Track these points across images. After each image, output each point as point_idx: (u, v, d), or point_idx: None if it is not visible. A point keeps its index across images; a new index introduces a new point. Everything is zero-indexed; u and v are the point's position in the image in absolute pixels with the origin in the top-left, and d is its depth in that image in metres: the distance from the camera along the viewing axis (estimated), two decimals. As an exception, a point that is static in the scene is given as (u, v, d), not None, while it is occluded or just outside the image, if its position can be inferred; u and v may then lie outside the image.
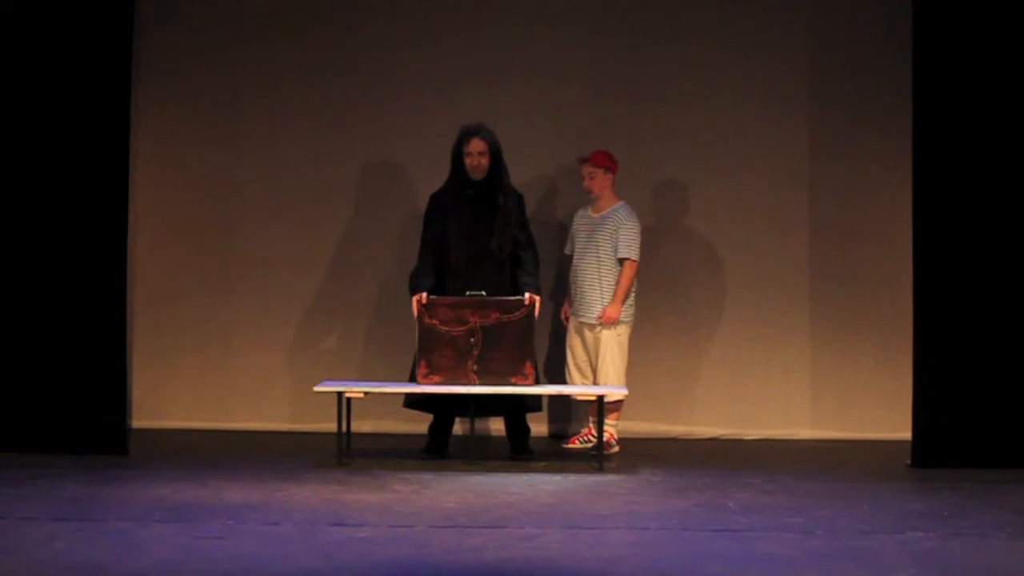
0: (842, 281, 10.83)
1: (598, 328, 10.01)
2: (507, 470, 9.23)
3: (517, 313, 9.33)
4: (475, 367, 9.31)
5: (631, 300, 10.11)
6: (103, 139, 9.53)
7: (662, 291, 10.73)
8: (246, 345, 10.95)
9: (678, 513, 7.89)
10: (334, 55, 10.93)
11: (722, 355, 10.83)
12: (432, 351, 9.32)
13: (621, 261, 10.03)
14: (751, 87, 10.81)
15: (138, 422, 10.74)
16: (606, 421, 9.74)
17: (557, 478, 9.01)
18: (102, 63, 9.51)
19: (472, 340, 9.31)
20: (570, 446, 10.19)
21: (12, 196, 9.56)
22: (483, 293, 9.42)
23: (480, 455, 9.59)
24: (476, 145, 9.69)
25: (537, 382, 9.49)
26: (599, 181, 10.09)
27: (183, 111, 10.95)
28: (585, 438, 10.14)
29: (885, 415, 10.57)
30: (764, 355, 10.82)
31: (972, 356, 9.44)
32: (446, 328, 9.31)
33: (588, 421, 10.19)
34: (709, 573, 6.55)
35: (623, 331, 10.07)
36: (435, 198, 9.89)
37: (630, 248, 10.02)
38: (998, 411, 9.43)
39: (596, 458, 9.34)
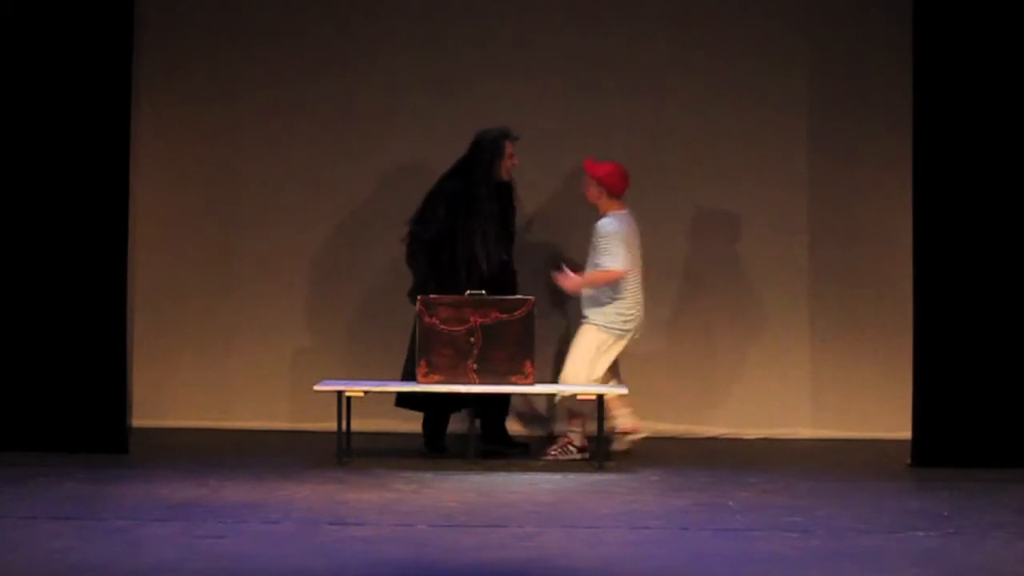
0: (842, 281, 10.84)
1: (582, 326, 9.80)
2: (507, 470, 9.23)
3: (517, 312, 9.33)
4: (475, 366, 9.31)
5: (616, 310, 9.72)
6: (103, 139, 9.53)
7: (661, 291, 10.73)
8: (246, 345, 10.96)
9: (678, 513, 7.89)
10: (334, 55, 10.93)
11: (722, 355, 10.83)
12: (432, 350, 9.32)
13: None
14: (751, 87, 10.81)
15: (138, 421, 10.74)
16: (571, 427, 9.69)
17: (557, 477, 9.01)
18: (102, 63, 9.51)
19: (472, 339, 9.31)
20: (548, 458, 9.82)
21: (12, 196, 9.57)
22: (483, 292, 9.42)
23: (480, 454, 9.59)
24: (512, 147, 9.74)
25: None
26: (590, 192, 9.83)
27: (183, 111, 10.96)
28: (566, 447, 9.78)
29: (885, 415, 10.58)
30: (764, 355, 10.82)
31: (972, 356, 9.44)
32: (446, 327, 9.32)
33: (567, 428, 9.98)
34: (709, 573, 6.55)
35: (599, 336, 9.71)
36: (461, 195, 9.75)
37: (606, 259, 9.63)
38: (998, 411, 9.43)
39: (596, 457, 9.34)
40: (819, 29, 10.81)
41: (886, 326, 10.65)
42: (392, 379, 9.93)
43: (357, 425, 9.77)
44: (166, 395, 10.92)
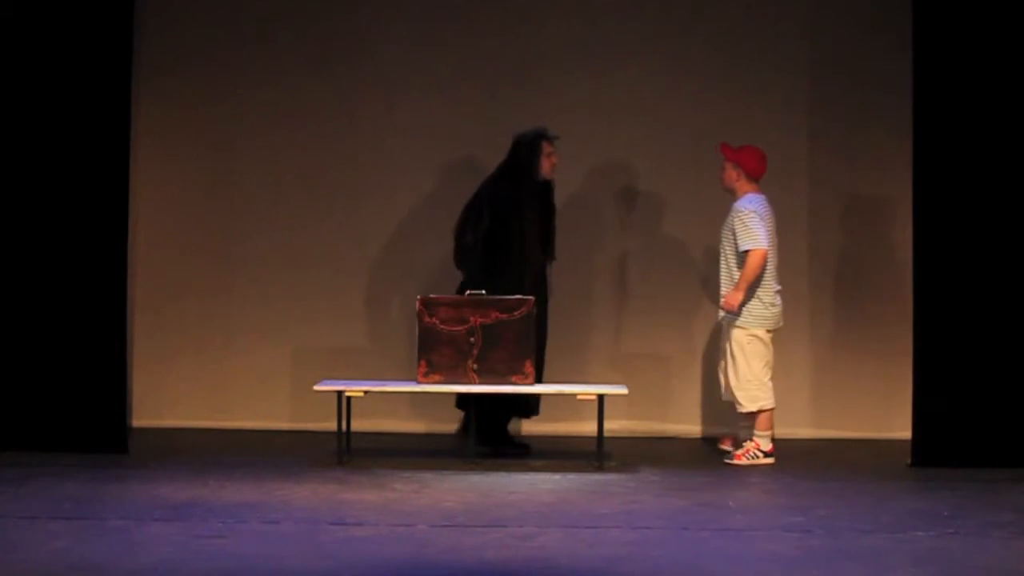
0: (842, 281, 10.83)
1: (727, 325, 9.69)
2: (507, 470, 9.23)
3: (517, 312, 9.32)
4: (475, 366, 9.31)
5: (764, 303, 9.65)
6: (103, 139, 9.53)
7: (662, 291, 10.73)
8: (246, 344, 10.96)
9: (678, 513, 7.89)
10: (334, 54, 10.93)
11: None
12: (432, 350, 9.32)
13: (746, 254, 9.61)
14: (751, 87, 10.80)
15: (138, 421, 10.74)
16: (755, 432, 9.65)
17: (557, 477, 9.00)
18: (102, 63, 9.51)
19: (472, 339, 9.31)
20: (736, 462, 9.72)
21: (12, 196, 9.56)
22: (483, 292, 9.42)
23: (478, 454, 9.59)
24: (551, 146, 9.78)
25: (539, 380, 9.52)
26: (727, 174, 9.76)
27: (183, 111, 10.95)
28: (752, 453, 9.71)
29: (885, 415, 10.58)
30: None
31: (972, 356, 9.44)
32: (446, 327, 9.31)
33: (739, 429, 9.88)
34: (709, 573, 6.55)
35: (749, 336, 9.63)
36: (506, 197, 9.73)
37: (744, 238, 9.57)
38: (998, 411, 9.43)
39: (596, 457, 9.33)
40: (819, 29, 10.81)
41: (886, 326, 10.65)
42: (392, 379, 9.93)
43: (357, 425, 9.77)
44: (166, 395, 10.92)
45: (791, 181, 10.82)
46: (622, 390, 9.64)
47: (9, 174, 9.57)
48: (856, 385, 10.78)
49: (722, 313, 9.72)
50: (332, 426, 9.40)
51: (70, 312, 9.53)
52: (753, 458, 9.64)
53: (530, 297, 9.38)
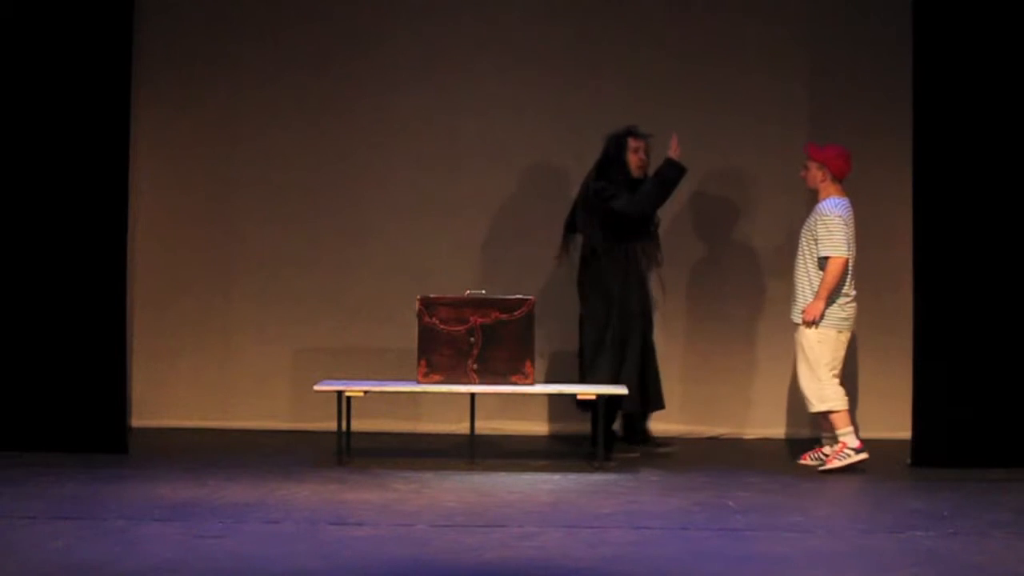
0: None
1: (800, 328, 9.59)
2: (507, 470, 9.23)
3: (517, 312, 9.33)
4: (475, 366, 9.31)
5: (838, 304, 9.48)
6: (103, 139, 9.53)
7: (662, 292, 10.72)
8: (246, 344, 10.96)
9: (678, 513, 7.89)
10: (333, 54, 10.93)
11: (723, 355, 10.83)
12: (431, 350, 9.32)
13: (826, 260, 9.51)
14: (751, 89, 10.80)
15: (138, 421, 10.74)
16: (837, 432, 9.47)
17: (556, 477, 9.01)
18: (102, 63, 9.51)
19: (472, 339, 9.31)
20: (802, 462, 9.70)
21: (12, 196, 9.56)
22: (483, 292, 9.43)
23: (480, 455, 9.60)
24: (637, 143, 9.84)
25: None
26: (811, 175, 9.64)
27: (183, 111, 10.95)
28: (817, 455, 9.65)
29: (885, 415, 10.58)
30: (764, 355, 10.82)
31: (972, 356, 9.44)
32: (446, 327, 9.32)
33: (822, 437, 9.77)
34: (709, 573, 6.55)
35: (821, 335, 9.48)
36: (602, 190, 9.79)
37: (826, 244, 9.46)
38: (998, 411, 9.43)
39: (595, 457, 9.34)
40: (819, 30, 10.80)
41: (886, 326, 10.64)
42: (391, 379, 9.93)
43: (357, 425, 9.77)
44: (166, 395, 10.92)
45: (791, 182, 10.79)
46: (621, 390, 9.63)
47: (9, 175, 9.57)
48: (856, 385, 10.77)
49: (798, 318, 9.60)
50: (332, 426, 9.40)
51: (70, 312, 9.53)
52: (844, 458, 9.38)
53: (530, 297, 9.39)
